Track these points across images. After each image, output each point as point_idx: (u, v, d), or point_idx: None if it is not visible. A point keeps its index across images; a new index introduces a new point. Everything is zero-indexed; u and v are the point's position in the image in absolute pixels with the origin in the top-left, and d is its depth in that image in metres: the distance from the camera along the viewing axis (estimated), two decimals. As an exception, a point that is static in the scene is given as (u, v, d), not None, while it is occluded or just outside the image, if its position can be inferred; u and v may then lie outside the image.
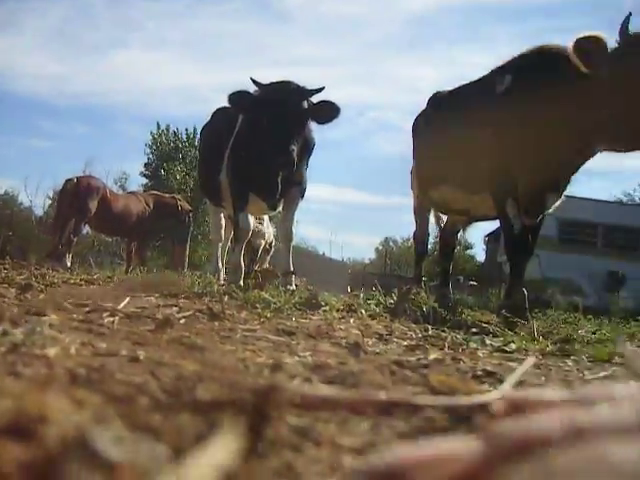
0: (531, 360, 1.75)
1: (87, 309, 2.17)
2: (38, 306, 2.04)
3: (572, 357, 2.54)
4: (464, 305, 7.04)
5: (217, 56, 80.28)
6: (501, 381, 1.33)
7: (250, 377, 1.07)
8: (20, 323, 1.47)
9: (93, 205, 13.73)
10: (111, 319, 1.94)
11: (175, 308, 2.73)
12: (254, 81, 6.18)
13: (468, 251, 46.28)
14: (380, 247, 61.72)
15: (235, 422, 0.61)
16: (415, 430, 0.77)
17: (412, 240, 8.36)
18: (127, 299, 2.50)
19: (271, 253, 12.49)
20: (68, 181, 14.06)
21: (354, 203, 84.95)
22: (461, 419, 0.81)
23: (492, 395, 1.04)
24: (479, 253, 47.38)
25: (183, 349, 1.46)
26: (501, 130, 5.64)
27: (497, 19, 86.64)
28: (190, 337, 1.63)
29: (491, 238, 30.76)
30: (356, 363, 1.46)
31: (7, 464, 0.46)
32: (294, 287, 5.70)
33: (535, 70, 5.47)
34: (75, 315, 1.98)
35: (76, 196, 13.55)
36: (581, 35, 4.67)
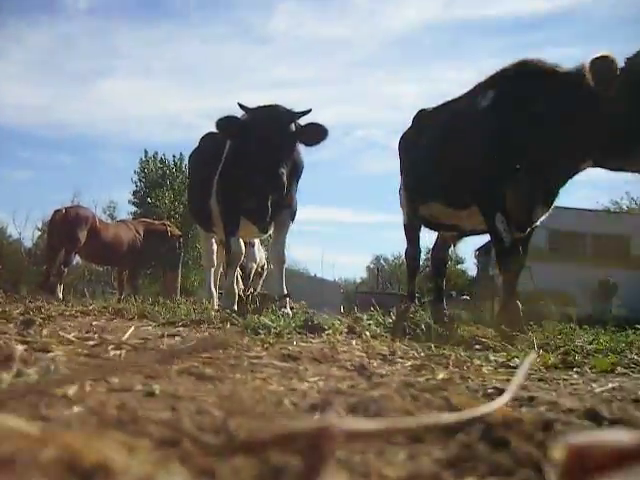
0: (532, 357, 1.76)
1: (92, 342, 2.16)
2: (43, 342, 2.04)
3: (575, 369, 2.54)
4: (459, 320, 7.04)
5: (201, 81, 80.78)
6: (515, 399, 1.33)
7: (273, 410, 1.07)
8: (30, 361, 1.46)
9: (82, 235, 13.65)
10: (117, 352, 1.94)
11: (178, 338, 2.72)
12: (241, 106, 6.20)
13: (459, 266, 46.38)
14: (371, 265, 61.90)
15: (291, 463, 0.61)
16: (453, 456, 0.77)
17: (404, 257, 8.35)
18: (130, 330, 2.49)
19: (263, 276, 12.48)
20: (57, 212, 13.98)
21: (343, 222, 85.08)
22: (497, 443, 0.81)
23: (504, 399, 1.05)
24: (470, 267, 47.51)
25: (194, 380, 1.46)
26: (486, 145, 5.67)
27: (478, 35, 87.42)
28: (199, 367, 1.63)
29: (482, 252, 30.83)
30: (370, 388, 1.47)
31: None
32: (289, 311, 5.69)
33: (518, 84, 5.51)
34: (80, 350, 1.97)
35: (65, 227, 13.46)
36: (596, 56, 4.72)
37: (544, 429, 0.88)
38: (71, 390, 1.08)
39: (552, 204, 5.69)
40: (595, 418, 1.10)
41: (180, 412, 0.97)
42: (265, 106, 6.22)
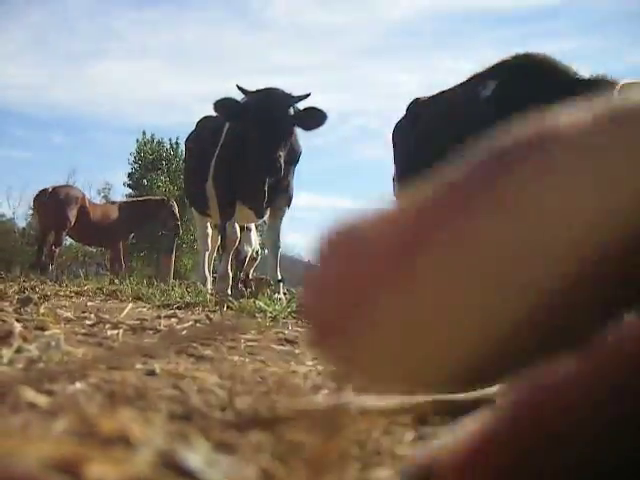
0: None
1: (89, 322, 2.17)
2: (40, 320, 2.04)
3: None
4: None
5: (198, 65, 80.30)
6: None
7: (276, 390, 1.07)
8: (30, 338, 1.46)
9: (72, 215, 13.53)
10: (115, 332, 1.94)
11: (174, 319, 2.73)
12: (240, 88, 6.18)
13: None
14: (364, 252, 62.22)
15: (307, 439, 0.61)
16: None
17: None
18: (126, 310, 2.50)
19: (258, 261, 12.47)
20: (42, 191, 13.87)
21: (338, 210, 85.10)
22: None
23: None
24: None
25: (193, 360, 1.46)
26: (484, 134, 5.67)
27: (478, 26, 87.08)
28: (197, 348, 1.63)
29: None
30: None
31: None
32: (282, 296, 5.69)
33: (521, 76, 5.50)
34: (77, 328, 1.98)
35: (54, 206, 13.37)
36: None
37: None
38: (73, 366, 1.08)
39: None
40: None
41: (183, 390, 0.97)
42: (264, 89, 6.20)
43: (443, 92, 6.98)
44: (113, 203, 16.34)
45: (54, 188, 13.92)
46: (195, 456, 0.51)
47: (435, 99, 7.10)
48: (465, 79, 6.50)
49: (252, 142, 5.95)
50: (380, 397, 0.79)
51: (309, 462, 0.60)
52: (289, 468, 0.60)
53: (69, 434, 0.50)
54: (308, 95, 6.18)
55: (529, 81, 5.38)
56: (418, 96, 7.64)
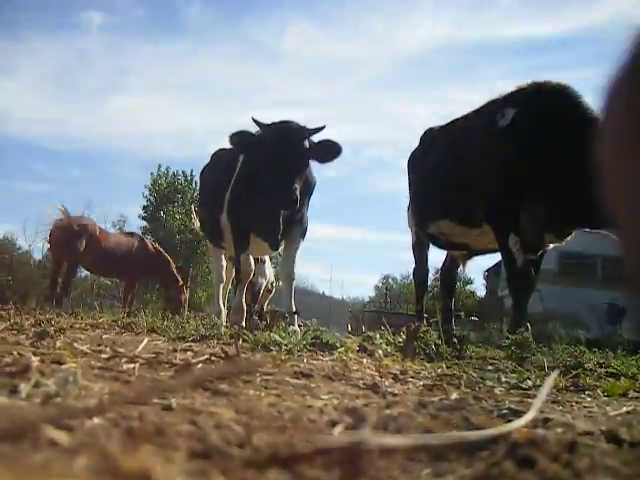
0: (555, 374, 1.75)
1: (105, 355, 2.17)
2: (56, 353, 2.04)
3: (587, 392, 2.53)
4: (468, 341, 7.02)
5: (214, 99, 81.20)
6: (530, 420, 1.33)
7: (293, 426, 1.07)
8: (47, 373, 1.47)
9: (81, 243, 13.47)
10: (131, 366, 1.94)
11: (190, 353, 2.72)
12: (255, 121, 6.21)
13: (468, 287, 46.27)
14: (380, 284, 61.88)
15: (326, 477, 0.61)
16: (479, 474, 0.77)
17: (412, 277, 8.34)
18: (142, 344, 2.50)
19: (272, 293, 12.45)
20: (54, 222, 13.85)
21: (352, 241, 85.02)
22: (523, 461, 0.81)
23: (530, 415, 1.05)
24: (479, 288, 47.43)
25: (209, 395, 1.46)
26: (503, 163, 5.65)
27: (490, 57, 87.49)
28: (213, 382, 1.63)
29: (491, 273, 30.73)
30: (386, 406, 1.47)
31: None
32: (297, 328, 5.65)
33: (540, 104, 5.50)
34: (94, 362, 1.98)
35: (64, 237, 13.34)
36: None
37: (570, 450, 0.88)
38: (92, 402, 1.08)
39: (568, 230, 5.69)
40: (616, 440, 1.10)
41: (201, 426, 0.97)
42: (279, 122, 6.22)
43: (456, 120, 7.00)
44: (132, 235, 16.18)
45: (64, 219, 13.83)
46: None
47: (448, 128, 7.12)
48: (479, 106, 6.52)
49: (268, 175, 5.95)
50: (396, 435, 0.79)
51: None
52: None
53: (91, 472, 0.50)
54: (323, 127, 6.19)
55: (547, 110, 5.38)
56: (431, 126, 7.69)
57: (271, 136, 6.04)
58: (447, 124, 7.22)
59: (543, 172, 5.29)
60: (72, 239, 13.39)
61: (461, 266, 7.89)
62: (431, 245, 7.60)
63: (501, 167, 5.65)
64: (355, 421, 1.09)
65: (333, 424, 1.08)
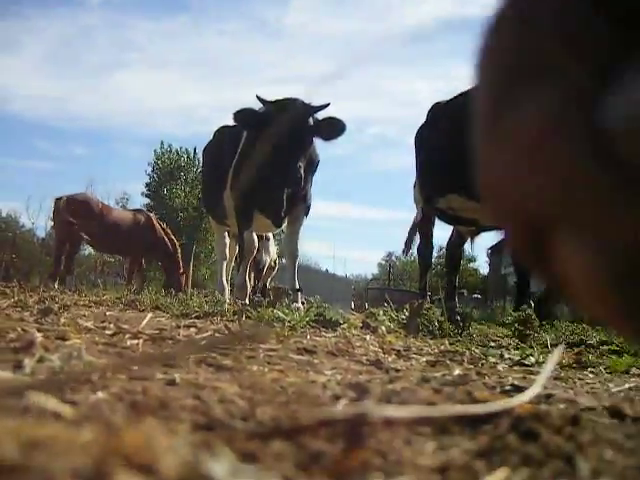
0: (559, 350, 1.76)
1: (109, 332, 2.18)
2: (60, 330, 2.05)
3: (589, 369, 2.54)
4: (470, 319, 7.02)
5: (216, 75, 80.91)
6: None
7: (296, 400, 1.08)
8: (51, 348, 1.47)
9: (84, 221, 13.41)
10: (135, 342, 1.95)
11: (193, 329, 2.73)
12: (260, 98, 6.18)
13: (471, 264, 46.29)
14: (383, 262, 61.97)
15: (329, 449, 0.62)
16: (483, 447, 0.77)
17: (416, 253, 8.32)
18: (145, 320, 2.51)
19: (276, 270, 12.47)
20: (57, 200, 13.80)
21: (356, 219, 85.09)
22: (527, 435, 0.81)
23: (534, 389, 1.06)
24: (482, 266, 47.47)
25: (213, 370, 1.47)
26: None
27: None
28: (216, 358, 1.63)
29: (494, 251, 30.72)
30: (389, 381, 1.47)
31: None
32: (300, 305, 5.67)
33: None
34: (98, 338, 1.99)
35: (66, 215, 13.29)
36: None
37: (573, 424, 0.88)
38: (95, 376, 1.08)
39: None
40: (618, 415, 1.10)
41: (205, 400, 0.98)
42: (283, 99, 6.20)
43: (462, 93, 6.93)
44: (140, 212, 15.99)
45: (67, 197, 13.75)
46: (220, 466, 0.52)
47: (454, 102, 7.06)
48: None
49: (272, 152, 5.93)
50: (400, 407, 0.79)
51: (331, 471, 0.60)
52: (311, 477, 0.60)
53: (95, 444, 0.50)
54: (327, 105, 6.16)
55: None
56: (438, 101, 7.63)
57: (275, 113, 6.01)
58: (454, 97, 7.16)
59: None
60: (75, 216, 13.35)
61: (469, 241, 7.87)
62: (436, 222, 7.57)
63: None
64: (358, 395, 1.10)
65: (336, 398, 1.08)
